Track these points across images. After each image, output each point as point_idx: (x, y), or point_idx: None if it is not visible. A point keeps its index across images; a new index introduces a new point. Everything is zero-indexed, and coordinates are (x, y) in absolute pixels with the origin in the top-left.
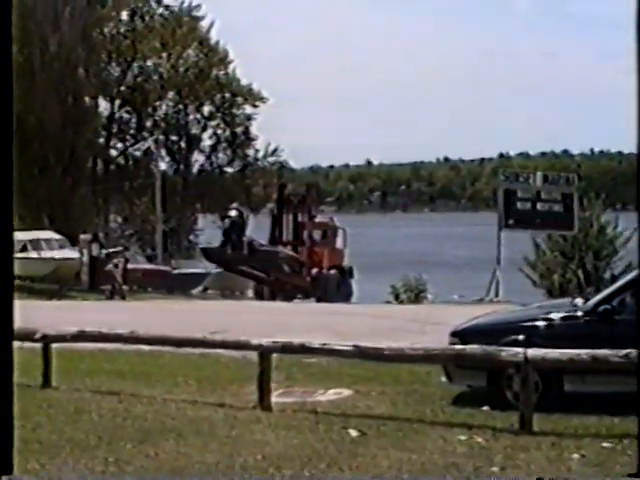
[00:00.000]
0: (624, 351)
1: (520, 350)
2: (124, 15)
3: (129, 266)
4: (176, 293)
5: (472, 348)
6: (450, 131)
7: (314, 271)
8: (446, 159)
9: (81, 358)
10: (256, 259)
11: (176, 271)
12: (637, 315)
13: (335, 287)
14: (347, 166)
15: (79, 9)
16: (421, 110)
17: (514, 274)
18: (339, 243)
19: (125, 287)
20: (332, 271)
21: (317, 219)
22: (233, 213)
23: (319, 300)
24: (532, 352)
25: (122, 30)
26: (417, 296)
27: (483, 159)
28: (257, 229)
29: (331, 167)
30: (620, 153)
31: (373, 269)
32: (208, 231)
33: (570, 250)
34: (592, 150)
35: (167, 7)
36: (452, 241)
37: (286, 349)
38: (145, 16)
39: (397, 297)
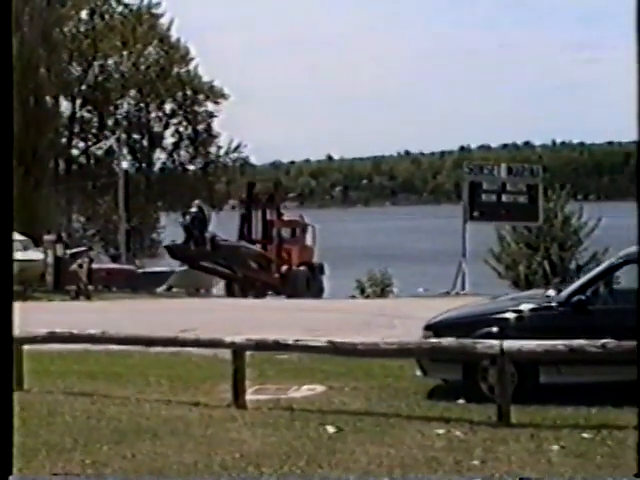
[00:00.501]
0: (601, 341)
1: (496, 342)
2: (84, 14)
3: (93, 266)
4: (141, 292)
5: (447, 341)
6: (410, 125)
7: (283, 268)
8: (407, 153)
9: (51, 359)
10: (219, 255)
11: (140, 270)
12: (637, 305)
13: (305, 284)
14: (308, 161)
15: (39, 9)
16: (381, 104)
17: (479, 266)
18: (309, 240)
19: (90, 287)
20: (302, 268)
21: (286, 217)
22: (193, 209)
23: (289, 297)
24: (508, 344)
25: (82, 29)
26: (383, 290)
27: (444, 152)
28: (219, 226)
29: (292, 163)
30: (582, 144)
31: (337, 264)
32: (171, 229)
33: (535, 241)
34: (554, 141)
35: (126, 5)
36: (415, 234)
37: (260, 346)
38: (105, 15)
39: (363, 291)
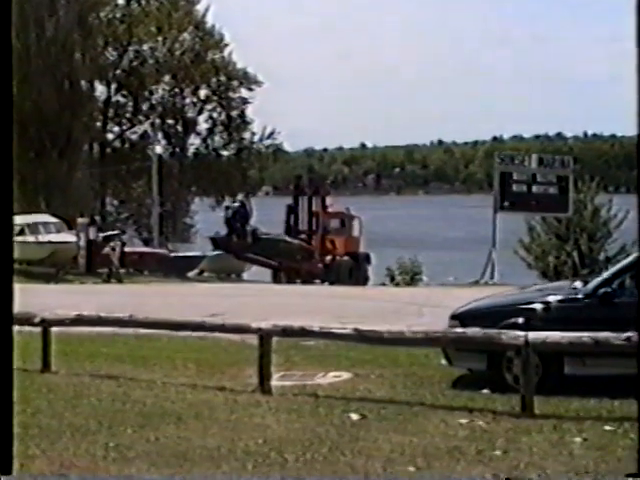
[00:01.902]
0: (625, 334)
1: (521, 333)
2: (120, 0)
3: (126, 249)
4: (172, 276)
5: (473, 331)
6: (444, 114)
7: (327, 258)
8: (440, 142)
9: (80, 342)
10: (260, 247)
11: (172, 254)
12: (638, 299)
13: (347, 273)
14: (341, 149)
15: None
16: (415, 93)
17: (509, 256)
18: (355, 231)
19: (122, 270)
20: (345, 258)
21: (332, 209)
22: (236, 204)
23: (332, 284)
24: (533, 335)
25: (118, 14)
26: (412, 278)
27: (476, 142)
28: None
29: (325, 150)
30: (613, 136)
31: (368, 251)
32: (203, 214)
33: (565, 232)
34: (585, 133)
35: None
36: (446, 223)
37: (286, 332)
38: (141, 0)
39: (392, 279)
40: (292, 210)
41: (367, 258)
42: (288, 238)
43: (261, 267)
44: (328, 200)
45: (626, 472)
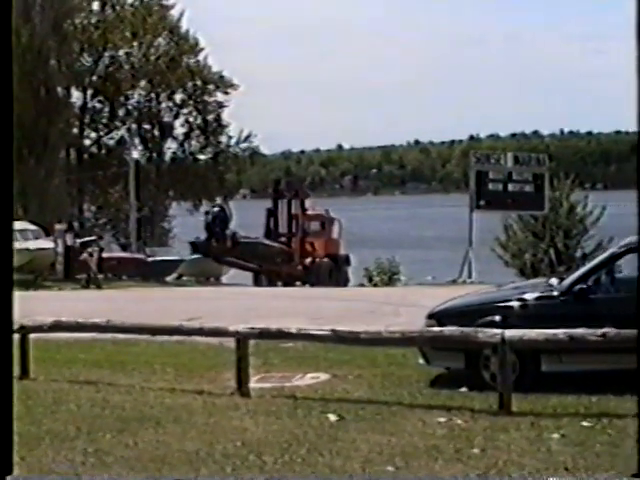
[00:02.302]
0: (601, 330)
1: (497, 331)
2: (95, 5)
3: (104, 255)
4: (151, 280)
5: (449, 330)
6: (420, 114)
7: (307, 260)
8: (416, 142)
9: (57, 348)
10: (239, 251)
11: (150, 258)
12: (637, 295)
13: (327, 274)
14: (318, 151)
15: (50, 0)
16: (390, 94)
17: (486, 255)
18: (335, 233)
19: (100, 276)
20: (325, 260)
21: (313, 211)
22: (215, 208)
23: (312, 286)
24: (509, 333)
25: (93, 20)
26: (390, 278)
27: (453, 141)
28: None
29: (302, 152)
30: (589, 133)
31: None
32: (181, 219)
33: (541, 230)
34: (562, 131)
35: None
36: (423, 223)
37: (264, 335)
38: (116, 6)
39: (370, 279)
40: (272, 213)
41: (347, 260)
42: (267, 241)
43: (241, 270)
44: (307, 203)
45: (603, 468)
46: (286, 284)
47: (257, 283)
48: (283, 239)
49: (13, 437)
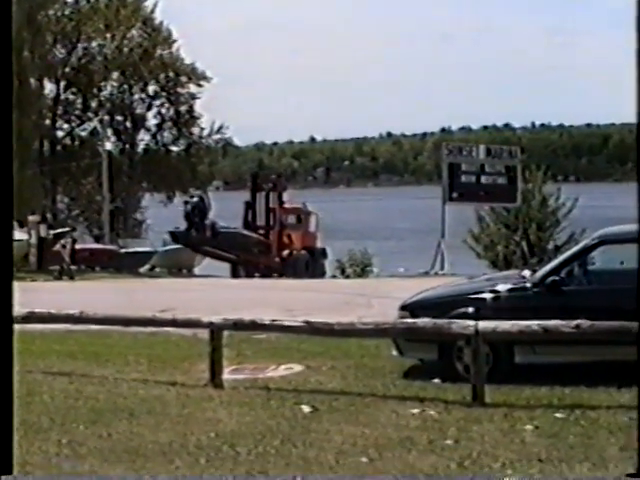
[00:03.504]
0: (575, 322)
1: (471, 322)
2: None
3: (77, 246)
4: (124, 272)
5: (423, 321)
6: (392, 106)
7: (284, 252)
8: (389, 134)
9: (32, 339)
10: (219, 241)
11: (123, 250)
12: (637, 288)
13: (304, 266)
14: (291, 143)
15: None
16: (363, 86)
17: (458, 247)
18: (312, 227)
19: (73, 267)
20: (302, 252)
21: (290, 204)
22: (195, 198)
23: (289, 278)
24: (483, 324)
25: (67, 12)
26: (363, 270)
27: (425, 134)
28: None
29: (275, 144)
30: (561, 126)
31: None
32: (154, 210)
33: (513, 222)
34: (533, 124)
35: None
36: (396, 215)
37: (238, 326)
38: None
39: (343, 271)
40: (250, 206)
41: (324, 253)
42: (246, 232)
43: (219, 260)
44: (285, 196)
45: (577, 460)
46: (263, 275)
47: (235, 274)
48: (261, 231)
49: (12, 438)
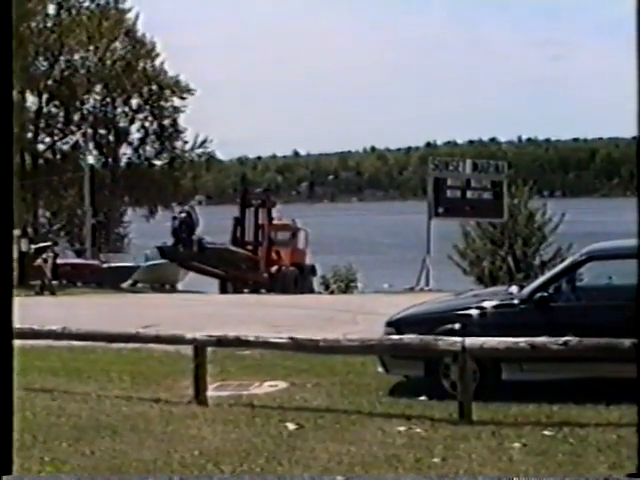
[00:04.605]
0: (563, 338)
1: (458, 339)
2: (51, 9)
3: (58, 261)
4: (106, 287)
5: (409, 338)
6: (376, 121)
7: (273, 268)
8: (373, 149)
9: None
10: (206, 256)
11: (105, 265)
12: (637, 303)
13: (293, 282)
14: (274, 157)
15: None
16: (347, 100)
17: (444, 263)
18: (301, 243)
19: (55, 282)
20: (291, 268)
21: (280, 221)
22: (182, 214)
23: (277, 293)
24: (470, 341)
25: (49, 24)
26: (347, 286)
27: (410, 148)
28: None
29: (259, 158)
30: (547, 140)
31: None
32: (136, 224)
33: (499, 237)
34: (520, 138)
35: (93, 0)
36: (380, 230)
37: (222, 342)
38: (72, 9)
39: (327, 287)
40: (239, 222)
41: (312, 270)
42: (233, 247)
43: (207, 276)
44: (274, 212)
45: (565, 477)
46: (252, 291)
47: (223, 290)
48: (250, 247)
49: (12, 438)
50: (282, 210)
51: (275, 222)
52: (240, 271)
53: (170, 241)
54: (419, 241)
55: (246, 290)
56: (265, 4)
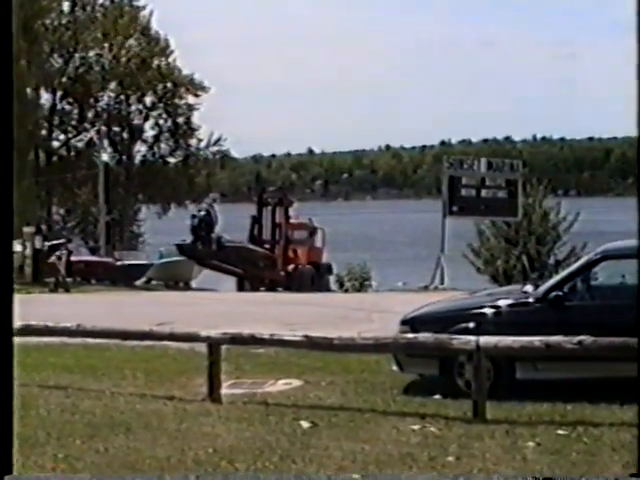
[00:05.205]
0: (577, 338)
1: (472, 338)
2: (65, 6)
3: (72, 258)
4: (120, 284)
5: (424, 336)
6: (391, 119)
7: (290, 267)
8: (388, 147)
9: (27, 352)
10: (224, 254)
11: (119, 262)
12: (637, 303)
13: (309, 281)
14: (289, 155)
15: (20, 0)
16: (362, 98)
17: (458, 261)
18: (318, 242)
19: (69, 279)
20: (308, 267)
21: (297, 220)
22: (202, 212)
23: (293, 292)
24: (484, 340)
25: (64, 21)
26: (361, 284)
27: (425, 147)
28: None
29: (273, 156)
30: (562, 139)
31: None
32: (150, 222)
33: (514, 236)
34: (534, 137)
35: None
36: (395, 228)
37: (236, 340)
38: (86, 7)
39: (341, 285)
40: (256, 220)
41: (329, 268)
42: (251, 246)
43: (225, 274)
44: (291, 211)
45: (580, 475)
46: (269, 289)
47: (240, 287)
48: (267, 246)
49: (13, 437)
50: (299, 209)
51: (292, 221)
52: (258, 269)
53: (189, 238)
54: (433, 239)
55: (263, 288)
56: (280, 2)
